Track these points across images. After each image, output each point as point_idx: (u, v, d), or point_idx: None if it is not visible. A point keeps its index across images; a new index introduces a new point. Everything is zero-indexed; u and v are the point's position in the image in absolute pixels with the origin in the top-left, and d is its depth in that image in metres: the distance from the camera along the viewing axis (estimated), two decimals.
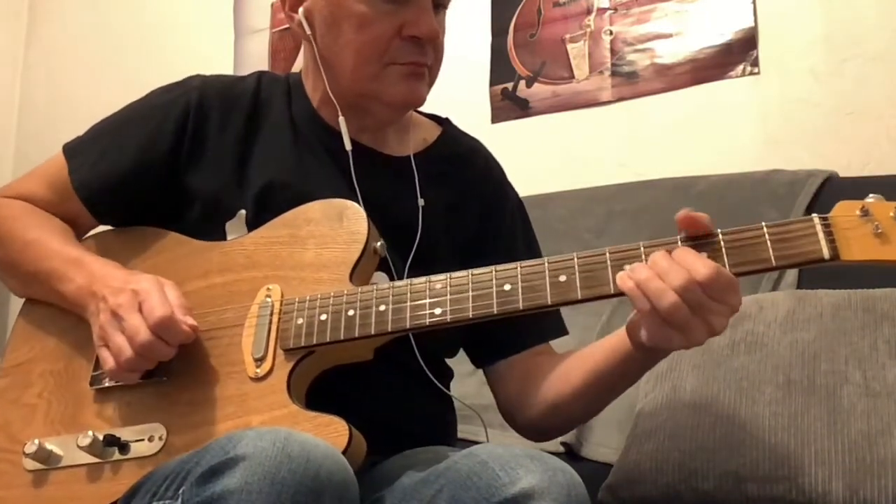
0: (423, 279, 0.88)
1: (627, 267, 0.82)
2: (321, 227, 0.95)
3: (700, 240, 0.83)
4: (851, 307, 1.24)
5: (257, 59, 2.61)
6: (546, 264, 0.85)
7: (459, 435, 1.14)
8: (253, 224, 1.00)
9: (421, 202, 1.06)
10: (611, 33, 2.02)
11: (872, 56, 1.70)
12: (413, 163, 1.08)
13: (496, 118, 2.16)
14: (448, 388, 1.08)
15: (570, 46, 2.08)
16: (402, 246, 1.02)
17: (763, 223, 0.81)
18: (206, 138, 1.05)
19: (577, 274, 0.83)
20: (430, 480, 0.79)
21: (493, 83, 2.18)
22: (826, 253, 0.78)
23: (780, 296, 1.34)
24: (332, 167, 1.05)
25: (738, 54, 1.85)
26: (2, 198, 1.09)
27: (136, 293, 0.90)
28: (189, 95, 1.07)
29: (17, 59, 3.21)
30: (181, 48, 2.78)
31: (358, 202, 0.97)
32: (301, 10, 1.04)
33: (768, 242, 0.80)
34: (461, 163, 1.14)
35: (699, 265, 0.79)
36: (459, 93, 2.08)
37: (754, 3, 1.84)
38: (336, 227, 0.94)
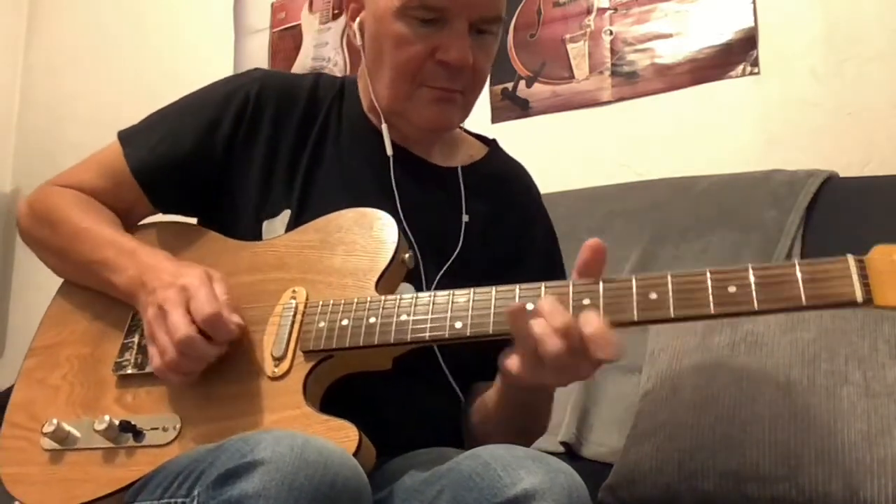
0: (446, 292, 0.88)
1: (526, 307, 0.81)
2: (352, 234, 0.96)
3: (586, 283, 0.83)
4: None
5: (257, 59, 2.61)
6: (571, 287, 0.83)
7: None
8: (295, 224, 1.01)
9: (466, 218, 1.06)
10: (611, 33, 2.02)
11: (872, 56, 1.70)
12: (461, 175, 1.09)
13: (496, 118, 2.16)
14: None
15: (570, 46, 2.08)
16: (436, 256, 1.03)
17: (796, 261, 0.79)
18: (259, 133, 1.06)
19: (601, 300, 0.82)
20: (433, 481, 0.79)
21: (493, 83, 2.18)
22: (859, 296, 0.75)
23: None
24: (378, 171, 1.06)
25: (738, 54, 1.85)
26: (54, 186, 1.09)
27: (184, 289, 0.89)
28: (250, 87, 1.08)
29: (17, 59, 3.21)
30: (181, 48, 2.78)
31: (396, 208, 0.98)
32: (357, 20, 1.06)
33: (800, 281, 0.77)
34: (505, 182, 1.15)
35: (591, 317, 0.78)
36: None
37: (754, 3, 1.84)
38: (366, 235, 0.95)
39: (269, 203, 1.03)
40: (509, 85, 2.16)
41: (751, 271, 0.79)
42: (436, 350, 0.98)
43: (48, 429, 0.93)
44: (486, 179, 1.13)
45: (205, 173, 1.06)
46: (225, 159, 1.06)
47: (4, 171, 3.12)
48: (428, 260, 1.00)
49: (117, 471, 0.90)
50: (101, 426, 0.90)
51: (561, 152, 2.06)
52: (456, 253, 1.04)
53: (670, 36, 1.94)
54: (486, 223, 1.09)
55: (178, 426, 0.90)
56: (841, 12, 1.75)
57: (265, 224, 1.02)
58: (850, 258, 0.77)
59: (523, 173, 1.20)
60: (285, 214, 1.02)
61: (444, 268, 1.02)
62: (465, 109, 1.07)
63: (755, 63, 1.83)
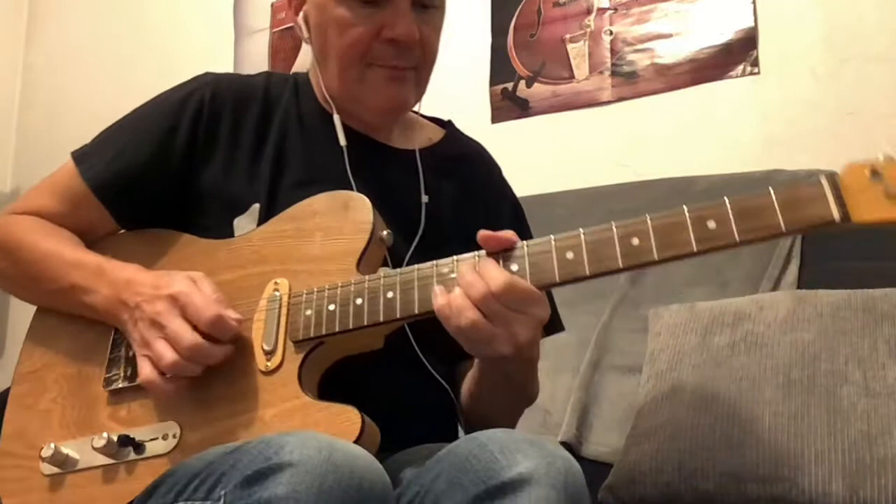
0: (429, 263, 0.88)
1: (437, 289, 0.84)
2: (327, 218, 0.95)
3: (507, 251, 0.84)
4: (851, 307, 1.24)
5: (257, 59, 2.61)
6: (552, 242, 0.84)
7: None
8: (265, 218, 1.00)
9: (425, 199, 1.07)
10: (611, 33, 2.02)
11: (872, 56, 1.70)
12: (418, 157, 1.09)
13: (496, 118, 2.16)
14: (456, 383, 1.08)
15: (570, 46, 2.08)
16: (404, 238, 1.02)
17: (770, 189, 0.79)
18: (218, 135, 1.06)
19: (584, 250, 0.82)
20: (431, 466, 0.79)
21: (493, 83, 2.18)
22: (836, 215, 0.76)
23: (779, 296, 1.34)
24: (338, 160, 1.06)
25: (738, 54, 1.85)
26: (11, 214, 1.07)
27: (173, 298, 0.88)
28: (203, 91, 1.07)
29: (17, 59, 3.21)
30: (181, 48, 2.78)
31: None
32: (301, 14, 1.07)
33: (776, 207, 0.77)
34: (465, 162, 1.16)
35: (496, 275, 0.80)
36: (459, 93, 2.07)
37: (754, 3, 1.84)
38: (341, 218, 0.94)
39: (237, 200, 1.02)
40: (509, 85, 2.16)
41: (727, 203, 0.79)
42: (407, 331, 0.98)
43: (46, 453, 0.91)
44: (447, 161, 1.13)
45: (166, 181, 1.04)
46: (185, 165, 1.04)
47: (4, 171, 3.11)
48: (396, 243, 0.99)
49: (121, 486, 0.89)
50: (99, 443, 0.88)
51: (561, 152, 2.06)
52: (420, 234, 1.04)
53: (670, 36, 1.94)
54: (452, 204, 1.10)
55: (177, 433, 0.89)
56: (841, 12, 1.75)
57: (235, 221, 1.01)
58: (824, 179, 0.77)
59: (483, 152, 1.21)
60: (254, 208, 1.01)
61: (412, 249, 1.02)
62: (419, 87, 1.07)
63: (755, 63, 1.83)
